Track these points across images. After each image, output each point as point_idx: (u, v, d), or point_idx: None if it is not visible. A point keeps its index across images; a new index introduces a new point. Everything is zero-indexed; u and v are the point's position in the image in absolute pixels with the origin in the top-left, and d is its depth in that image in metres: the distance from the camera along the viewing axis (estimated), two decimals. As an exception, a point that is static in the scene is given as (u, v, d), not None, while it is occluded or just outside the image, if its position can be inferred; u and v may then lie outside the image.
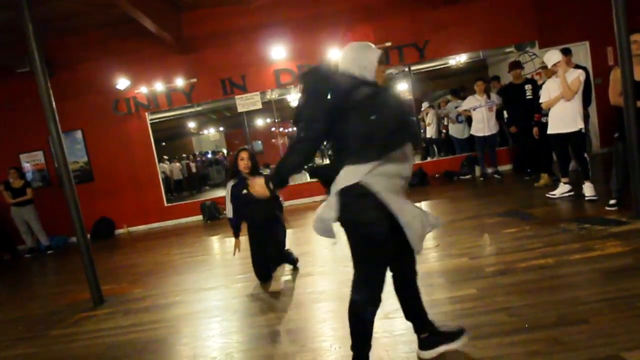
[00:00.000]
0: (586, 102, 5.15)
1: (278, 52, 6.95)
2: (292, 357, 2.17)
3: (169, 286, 3.83)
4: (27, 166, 7.55)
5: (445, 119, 8.08)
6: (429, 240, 3.77)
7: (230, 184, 3.38)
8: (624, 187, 3.69)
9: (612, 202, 3.82)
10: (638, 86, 3.77)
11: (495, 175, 6.58)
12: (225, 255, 5.01)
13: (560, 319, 2.05)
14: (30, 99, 7.14)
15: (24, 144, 7.46)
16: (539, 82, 5.68)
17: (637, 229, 3.17)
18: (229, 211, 3.38)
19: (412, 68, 7.28)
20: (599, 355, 1.74)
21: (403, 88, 7.57)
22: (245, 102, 7.24)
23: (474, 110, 6.42)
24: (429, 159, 7.86)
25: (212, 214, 7.33)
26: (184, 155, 12.48)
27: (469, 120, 6.83)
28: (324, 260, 3.82)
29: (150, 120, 7.46)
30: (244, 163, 3.30)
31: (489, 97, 6.35)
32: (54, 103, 3.30)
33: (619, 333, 1.87)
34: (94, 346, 2.73)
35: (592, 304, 2.16)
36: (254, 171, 3.32)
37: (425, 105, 8.28)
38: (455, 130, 7.55)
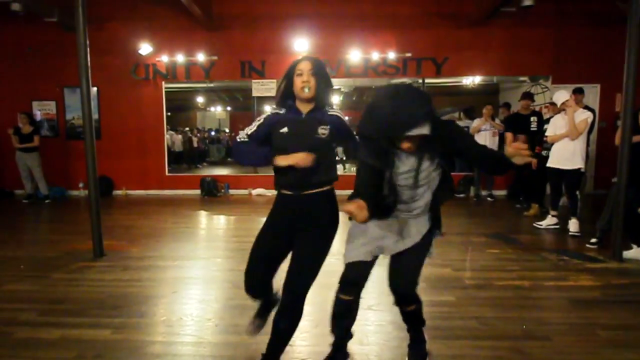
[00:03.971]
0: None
1: (301, 44, 7.09)
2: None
3: (165, 251, 4.01)
4: (37, 114, 7.63)
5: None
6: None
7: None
8: (608, 229, 3.91)
9: (593, 240, 4.06)
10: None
11: (488, 198, 6.82)
12: (220, 231, 5.19)
13: (525, 334, 2.28)
14: (53, 48, 7.25)
15: (38, 91, 7.54)
16: (545, 116, 5.90)
17: (611, 268, 3.41)
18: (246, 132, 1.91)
19: (426, 81, 7.47)
20: (554, 368, 1.97)
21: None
22: (261, 87, 7.39)
23: (477, 132, 6.64)
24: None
25: (210, 191, 7.49)
26: (187, 128, 12.57)
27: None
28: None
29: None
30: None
31: (493, 121, 6.57)
32: (89, 60, 3.45)
33: (575, 352, 2.10)
34: (94, 293, 2.92)
35: (557, 325, 2.39)
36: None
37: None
38: (458, 149, 7.78)
